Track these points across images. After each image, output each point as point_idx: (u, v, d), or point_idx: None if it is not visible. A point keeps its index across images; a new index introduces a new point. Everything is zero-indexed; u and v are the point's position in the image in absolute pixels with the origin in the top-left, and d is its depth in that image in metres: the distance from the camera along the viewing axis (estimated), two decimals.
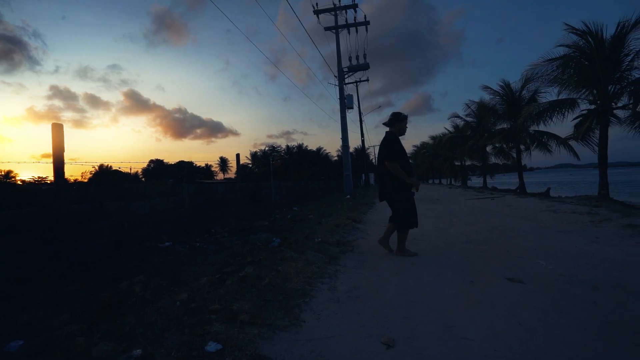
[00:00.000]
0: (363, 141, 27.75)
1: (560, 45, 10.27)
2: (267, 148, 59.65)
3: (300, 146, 55.65)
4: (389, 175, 3.53)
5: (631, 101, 9.39)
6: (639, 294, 2.33)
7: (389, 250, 3.74)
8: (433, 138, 34.66)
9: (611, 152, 10.14)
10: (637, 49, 9.12)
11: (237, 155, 9.12)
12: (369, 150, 57.03)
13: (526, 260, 3.32)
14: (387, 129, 3.69)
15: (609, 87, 9.69)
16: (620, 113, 9.93)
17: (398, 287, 2.68)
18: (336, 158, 57.79)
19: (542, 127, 13.03)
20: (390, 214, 3.75)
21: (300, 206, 10.30)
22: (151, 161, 71.82)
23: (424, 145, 44.60)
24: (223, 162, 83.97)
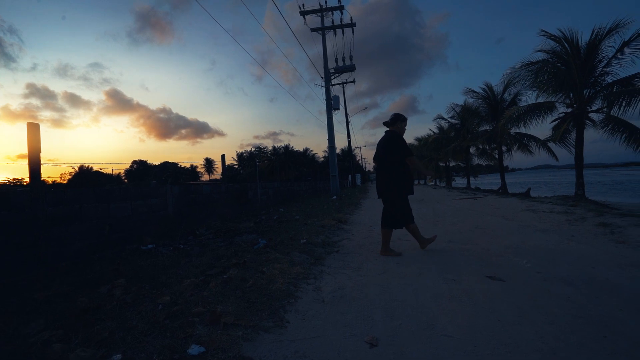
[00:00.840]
0: (349, 142, 27.92)
1: (539, 51, 10.68)
2: (253, 149, 59.29)
3: (286, 147, 55.43)
4: (391, 174, 3.64)
5: (605, 105, 9.79)
6: (608, 289, 2.43)
7: (396, 254, 3.70)
8: (418, 139, 35.20)
9: (587, 153, 10.57)
10: (610, 56, 9.55)
11: (223, 156, 9.03)
12: (355, 151, 57.37)
13: (506, 258, 3.41)
14: (387, 128, 3.80)
15: (585, 91, 10.09)
16: (594, 116, 10.36)
17: (382, 286, 2.72)
18: (323, 159, 57.91)
19: (522, 129, 13.46)
20: (382, 220, 3.80)
21: (287, 207, 10.28)
22: (134, 162, 70.20)
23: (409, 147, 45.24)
24: (209, 163, 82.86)
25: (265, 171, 52.60)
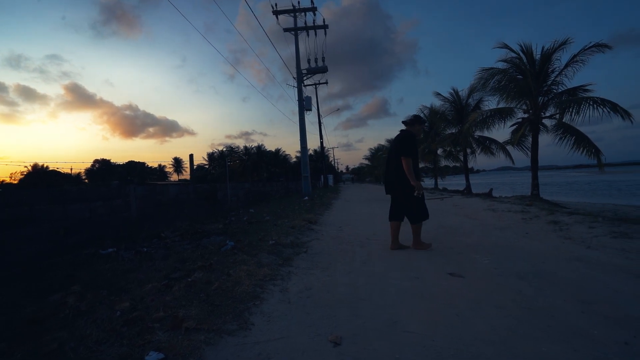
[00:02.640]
0: (322, 143, 28.06)
1: (500, 60, 11.36)
2: (224, 149, 57.78)
3: (259, 147, 54.69)
4: (397, 172, 3.73)
5: (557, 112, 10.56)
6: (555, 282, 2.63)
7: (404, 247, 3.89)
8: (389, 141, 36.05)
9: (542, 156, 11.34)
10: (560, 67, 10.39)
11: (191, 156, 8.77)
12: (328, 152, 57.72)
13: (467, 256, 3.59)
14: (398, 128, 3.92)
15: (539, 99, 10.83)
16: (548, 122, 11.13)
17: (348, 286, 2.76)
18: (295, 159, 57.70)
19: (486, 133, 14.18)
20: (389, 214, 3.99)
21: (258, 208, 10.16)
22: (96, 161, 66.24)
23: (380, 148, 46.18)
24: (177, 162, 79.97)
25: (237, 171, 51.63)
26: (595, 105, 9.58)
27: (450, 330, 1.93)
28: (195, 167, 9.14)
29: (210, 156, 58.61)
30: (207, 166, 58.31)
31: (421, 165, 28.75)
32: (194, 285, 2.57)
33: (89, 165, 63.65)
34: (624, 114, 9.36)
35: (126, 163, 64.34)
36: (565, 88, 10.66)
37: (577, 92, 10.49)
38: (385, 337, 1.89)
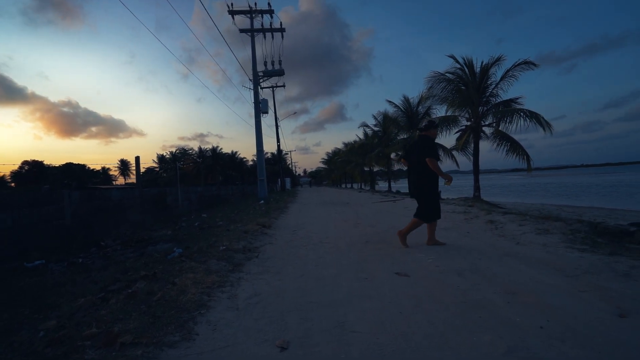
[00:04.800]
0: (279, 146, 27.86)
1: (447, 72, 12.22)
2: (177, 150, 54.83)
3: (214, 149, 52.71)
4: (424, 173, 3.99)
5: (494, 121, 11.60)
6: (488, 276, 2.87)
7: (404, 245, 4.11)
8: (346, 145, 36.86)
9: (483, 161, 12.37)
10: (496, 81, 11.53)
11: (137, 158, 8.23)
12: (285, 155, 57.42)
13: (413, 255, 3.78)
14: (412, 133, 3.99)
15: (480, 108, 11.81)
16: (487, 130, 12.18)
17: (299, 289, 2.77)
18: (252, 162, 56.52)
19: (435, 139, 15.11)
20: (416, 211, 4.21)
21: (211, 212, 9.80)
22: (25, 162, 59.06)
23: (337, 152, 47.02)
24: (124, 165, 74.50)
25: (190, 175, 49.32)
26: (524, 116, 10.71)
27: (394, 327, 2.02)
28: (144, 170, 8.61)
29: (161, 158, 55.36)
30: (157, 169, 54.97)
31: (376, 169, 29.79)
32: (135, 296, 2.41)
33: (16, 167, 56.42)
34: (546, 125, 10.57)
35: (63, 165, 58.34)
36: (501, 100, 11.80)
37: (510, 103, 11.65)
38: (333, 338, 1.92)
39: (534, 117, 10.59)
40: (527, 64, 10.87)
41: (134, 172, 8.69)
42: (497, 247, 4.00)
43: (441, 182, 4.15)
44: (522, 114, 10.74)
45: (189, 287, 2.59)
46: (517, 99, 11.69)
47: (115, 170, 74.11)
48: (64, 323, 2.00)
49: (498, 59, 11.26)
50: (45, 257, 4.14)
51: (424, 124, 4.31)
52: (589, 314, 2.06)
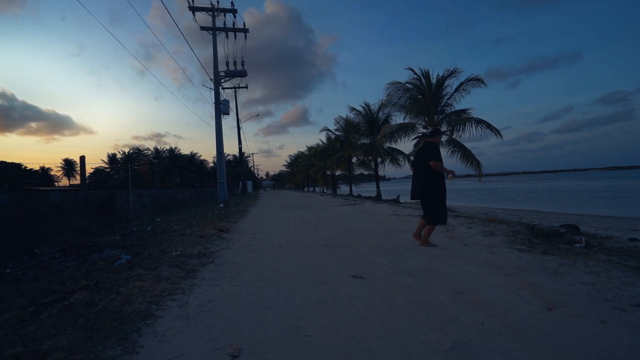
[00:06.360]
0: (240, 148, 27.29)
1: (407, 82, 12.78)
2: (130, 150, 51.49)
3: (172, 150, 50.17)
4: (430, 177, 4.18)
5: (448, 129, 12.32)
6: (438, 277, 3.02)
7: (422, 243, 4.38)
8: (309, 149, 36.98)
9: None
10: (451, 92, 12.28)
11: (82, 158, 7.61)
12: (247, 158, 56.29)
13: (369, 258, 3.87)
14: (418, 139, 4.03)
15: (435, 117, 12.47)
16: (442, 137, 12.90)
17: (255, 294, 2.72)
18: (212, 164, 54.65)
19: (394, 145, 15.71)
20: (422, 213, 4.44)
21: (166, 216, 9.31)
22: None
23: (300, 155, 47.03)
24: (69, 165, 68.39)
25: (145, 176, 46.55)
26: (475, 125, 11.51)
27: (347, 330, 2.05)
28: (92, 170, 7.95)
29: (113, 158, 51.68)
30: (108, 170, 51.20)
31: (338, 172, 30.23)
32: (71, 309, 2.22)
33: None
34: (496, 131, 11.44)
35: None
36: (454, 109, 12.56)
37: (462, 113, 12.44)
38: (286, 343, 1.91)
39: (484, 123, 11.43)
40: (477, 80, 11.73)
41: (81, 172, 8.00)
42: (448, 248, 4.22)
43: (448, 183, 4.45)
44: (473, 122, 11.54)
45: (135, 296, 2.43)
46: (468, 109, 12.55)
47: (58, 171, 67.83)
48: None
49: (453, 72, 12.02)
50: None
51: (429, 131, 4.48)
52: (523, 309, 2.24)
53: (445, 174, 4.31)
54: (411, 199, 4.62)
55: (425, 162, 4.24)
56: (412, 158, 16.50)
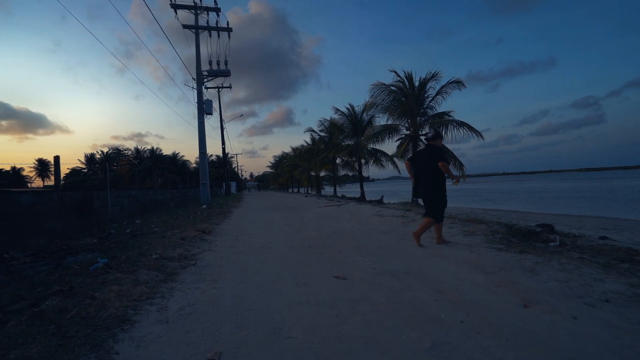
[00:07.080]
0: (224, 149, 26.93)
1: (391, 84, 12.93)
2: (109, 150, 49.86)
3: (153, 150, 48.91)
4: (435, 177, 4.32)
5: (430, 130, 12.54)
6: (420, 277, 3.07)
7: (418, 244, 4.43)
8: (294, 150, 36.88)
9: None
10: (433, 95, 12.54)
11: (56, 158, 7.31)
12: (231, 159, 55.62)
13: (352, 259, 3.89)
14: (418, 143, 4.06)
15: (418, 119, 12.69)
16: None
17: (237, 297, 2.68)
18: (195, 165, 53.65)
19: (377, 146, 15.87)
20: (424, 212, 4.57)
21: (146, 218, 9.07)
22: None
23: (285, 156, 46.85)
24: (43, 165, 65.54)
25: (125, 177, 45.23)
26: (457, 126, 11.78)
27: (329, 331, 2.05)
28: (69, 171, 7.63)
29: (91, 159, 49.90)
30: (85, 170, 49.42)
31: (323, 173, 30.27)
32: (42, 315, 2.12)
33: None
34: (477, 133, 11.75)
35: None
36: (436, 112, 12.82)
37: (444, 115, 12.71)
38: (268, 346, 1.89)
39: (466, 126, 11.72)
40: (458, 83, 12.03)
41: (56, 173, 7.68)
42: (429, 248, 4.29)
43: (448, 182, 4.51)
44: (455, 124, 11.82)
45: (111, 301, 2.35)
46: (450, 112, 12.83)
47: (31, 171, 64.93)
48: None
49: (434, 75, 12.28)
50: None
51: (431, 134, 4.64)
52: (500, 306, 2.31)
53: (449, 177, 4.43)
54: (413, 197, 4.77)
55: (432, 162, 4.34)
56: (395, 160, 16.79)
